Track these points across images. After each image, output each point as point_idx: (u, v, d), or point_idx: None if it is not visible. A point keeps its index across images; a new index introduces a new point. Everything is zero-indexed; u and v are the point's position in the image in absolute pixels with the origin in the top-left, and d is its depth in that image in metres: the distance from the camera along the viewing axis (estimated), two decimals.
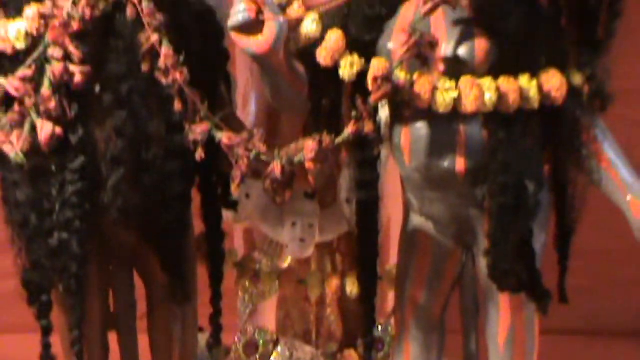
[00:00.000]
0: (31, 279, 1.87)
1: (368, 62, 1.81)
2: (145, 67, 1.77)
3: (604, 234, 2.76)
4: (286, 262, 2.30)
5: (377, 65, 1.77)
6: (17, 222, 1.85)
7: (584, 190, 1.90)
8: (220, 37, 1.90)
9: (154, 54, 1.75)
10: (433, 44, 1.76)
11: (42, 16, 1.77)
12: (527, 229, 1.84)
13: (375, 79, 1.74)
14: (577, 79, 1.85)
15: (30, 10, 1.78)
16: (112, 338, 2.02)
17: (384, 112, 1.91)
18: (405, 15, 1.84)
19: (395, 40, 1.81)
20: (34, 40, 1.79)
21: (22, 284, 1.88)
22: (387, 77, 1.74)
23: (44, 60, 1.77)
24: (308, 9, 1.87)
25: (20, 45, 1.79)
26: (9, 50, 1.80)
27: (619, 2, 1.92)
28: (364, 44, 1.84)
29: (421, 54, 1.75)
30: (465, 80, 1.79)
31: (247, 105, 2.21)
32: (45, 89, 1.76)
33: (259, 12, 1.75)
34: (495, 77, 1.80)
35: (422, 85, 1.78)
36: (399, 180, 1.99)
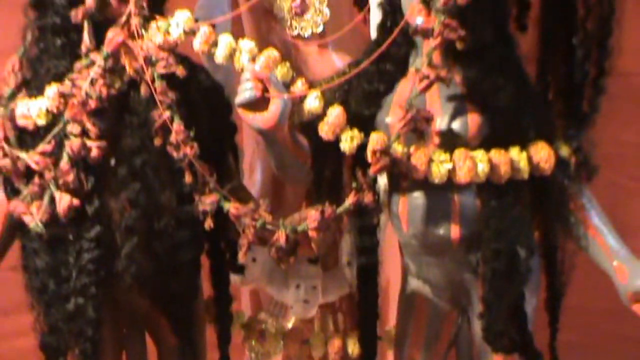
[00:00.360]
0: (49, 342, 1.90)
1: (367, 135, 1.85)
2: (157, 141, 1.82)
3: (594, 291, 2.79)
4: (291, 323, 2.33)
5: (376, 139, 1.82)
6: (36, 288, 1.89)
7: (573, 256, 1.94)
8: (228, 111, 1.95)
9: (166, 129, 1.81)
10: (428, 119, 1.81)
11: (62, 95, 1.82)
12: (519, 293, 1.88)
13: (374, 153, 1.79)
14: (565, 150, 1.90)
15: (51, 90, 1.83)
16: None
17: (382, 180, 1.95)
18: (402, 90, 1.89)
19: (392, 115, 1.86)
20: (54, 117, 1.84)
21: (40, 346, 1.91)
22: (386, 151, 1.79)
23: (63, 136, 1.82)
24: (311, 85, 1.93)
25: (41, 121, 1.84)
26: (30, 127, 1.85)
27: (603, 78, 1.98)
28: (363, 118, 1.89)
29: (417, 128, 1.80)
30: (459, 152, 1.83)
31: (253, 174, 2.25)
32: (64, 163, 1.81)
33: (265, 89, 1.80)
34: (487, 149, 1.84)
35: (418, 158, 1.82)
36: (397, 244, 2.03)
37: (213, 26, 2.01)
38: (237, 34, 2.14)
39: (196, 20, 2.01)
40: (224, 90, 1.94)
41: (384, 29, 1.94)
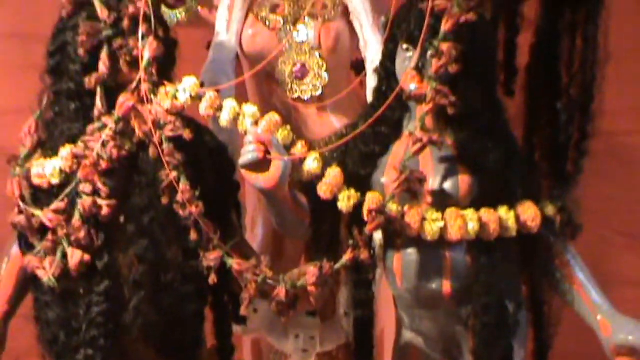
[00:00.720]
0: None
1: (364, 195, 1.89)
2: (165, 200, 1.86)
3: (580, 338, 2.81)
4: None
5: (372, 199, 1.87)
6: (47, 339, 1.92)
7: (559, 310, 1.97)
8: (231, 170, 1.99)
9: (173, 189, 1.85)
10: (422, 180, 1.86)
11: (75, 156, 1.87)
12: (508, 346, 1.91)
13: (370, 212, 1.84)
14: (550, 209, 1.95)
15: (65, 151, 1.88)
16: None
17: (378, 236, 1.99)
18: (397, 152, 1.94)
19: (387, 176, 1.91)
20: (67, 176, 1.89)
21: None
22: (381, 210, 1.84)
23: (75, 195, 1.87)
24: (311, 147, 1.97)
25: (55, 180, 1.89)
26: (45, 185, 1.90)
27: (586, 141, 2.03)
28: (359, 178, 1.94)
29: (411, 188, 1.85)
30: (451, 211, 1.88)
31: (255, 228, 2.28)
32: (76, 221, 1.86)
33: (267, 152, 1.84)
34: (477, 208, 1.89)
35: (412, 217, 1.87)
36: (392, 297, 2.06)
37: (218, 91, 2.07)
38: (241, 96, 2.20)
39: (202, 84, 2.07)
40: (228, 151, 1.99)
41: (379, 93, 2.00)
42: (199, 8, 2.22)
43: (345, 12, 2.19)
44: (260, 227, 2.27)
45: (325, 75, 2.17)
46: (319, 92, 2.18)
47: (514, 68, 2.12)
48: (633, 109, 2.71)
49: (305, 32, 2.18)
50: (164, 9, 2.15)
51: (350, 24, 2.19)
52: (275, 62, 2.17)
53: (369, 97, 2.07)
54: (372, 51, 2.14)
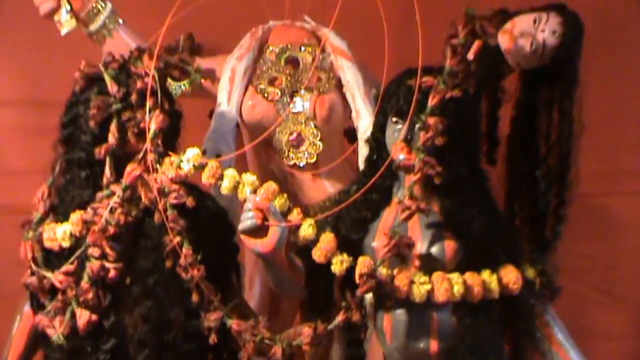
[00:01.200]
0: None
1: (355, 258, 1.93)
2: (168, 263, 1.90)
3: None
4: None
5: (363, 263, 1.90)
6: None
7: None
8: (231, 234, 2.02)
9: (176, 253, 1.89)
10: (410, 245, 1.91)
11: (85, 221, 1.91)
12: None
13: (361, 276, 1.88)
14: (530, 273, 1.99)
15: (75, 216, 1.93)
16: None
17: (368, 296, 2.02)
18: (387, 218, 1.99)
19: (378, 240, 1.96)
20: (77, 240, 1.93)
21: None
22: (372, 274, 1.88)
23: (84, 258, 1.91)
24: (306, 212, 2.01)
25: (66, 244, 1.94)
26: (56, 248, 1.94)
27: (563, 209, 2.08)
28: (351, 242, 1.98)
29: (400, 253, 1.90)
30: (437, 275, 1.92)
31: (253, 288, 2.31)
32: (85, 283, 1.90)
33: (265, 218, 1.89)
34: (462, 272, 1.94)
35: (401, 280, 1.91)
36: (382, 355, 2.08)
37: (218, 155, 2.12)
38: (241, 161, 2.25)
39: (204, 152, 2.13)
40: (228, 215, 2.03)
41: (370, 162, 2.05)
42: (202, 80, 2.30)
43: (338, 85, 2.25)
44: (258, 286, 2.31)
45: (319, 143, 2.22)
46: (313, 159, 2.23)
47: (496, 138, 2.19)
48: (608, 173, 2.76)
49: (301, 103, 2.23)
50: (169, 81, 2.23)
51: (343, 96, 2.25)
52: (273, 131, 2.22)
53: (361, 165, 2.12)
54: (363, 121, 2.20)
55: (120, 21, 2.26)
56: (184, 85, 2.25)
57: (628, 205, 2.79)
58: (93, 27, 2.25)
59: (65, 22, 2.23)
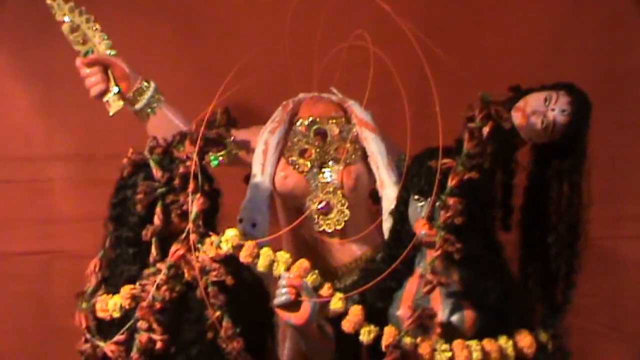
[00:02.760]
0: None
1: (382, 328, 1.93)
2: (210, 335, 1.90)
3: None
4: None
5: (389, 334, 1.91)
6: None
7: None
8: (266, 301, 2.01)
9: (217, 325, 1.89)
10: (432, 316, 1.90)
11: (134, 296, 1.92)
12: None
13: (387, 347, 1.88)
14: (543, 337, 1.99)
15: (125, 290, 1.94)
16: None
17: None
18: (410, 288, 1.98)
19: (402, 310, 1.96)
20: (127, 312, 1.94)
21: None
22: (397, 345, 1.88)
23: (133, 330, 1.92)
24: (334, 274, 1.99)
25: (116, 315, 1.95)
26: (107, 318, 1.96)
27: (573, 275, 2.06)
28: (377, 310, 1.98)
29: (423, 324, 1.89)
30: (457, 343, 1.92)
31: (285, 341, 2.30)
32: (134, 353, 1.91)
33: (298, 294, 1.89)
34: (480, 339, 1.93)
35: (424, 348, 1.91)
36: None
37: (254, 225, 2.12)
38: (274, 227, 2.24)
39: (241, 220, 2.13)
40: (264, 283, 2.02)
41: (394, 233, 2.04)
42: (238, 152, 2.30)
43: (364, 155, 2.24)
44: (289, 340, 2.30)
45: (347, 211, 2.21)
46: (341, 226, 2.21)
47: (510, 207, 2.16)
48: (614, 217, 2.74)
49: (330, 174, 2.22)
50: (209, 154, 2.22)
51: (368, 166, 2.23)
52: (303, 200, 2.22)
53: (385, 233, 2.12)
54: (387, 190, 2.18)
55: (163, 99, 2.28)
56: (221, 156, 2.25)
57: (633, 247, 2.77)
58: (138, 106, 2.25)
59: (114, 103, 2.24)
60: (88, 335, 1.96)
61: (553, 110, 2.04)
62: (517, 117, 2.06)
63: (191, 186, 1.91)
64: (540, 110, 2.05)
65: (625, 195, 2.74)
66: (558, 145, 2.07)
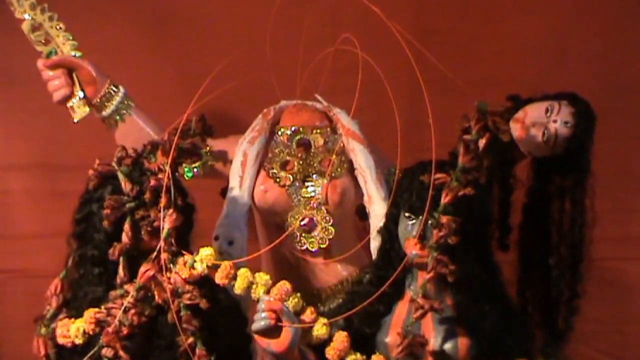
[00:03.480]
0: None
1: (368, 354, 1.91)
2: None
3: None
4: None
5: None
6: None
7: None
8: (243, 325, 1.99)
9: (189, 353, 1.87)
10: (423, 344, 1.89)
11: (98, 320, 1.89)
12: None
13: None
14: None
15: (89, 314, 1.90)
16: None
17: None
18: (400, 312, 1.96)
19: (391, 337, 1.94)
20: (90, 338, 1.90)
21: None
22: None
23: (98, 358, 1.88)
24: (317, 297, 1.99)
25: (79, 341, 1.91)
26: (68, 345, 1.92)
27: (576, 300, 2.06)
28: (364, 336, 1.96)
29: (413, 352, 1.88)
30: None
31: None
32: None
33: (278, 319, 1.87)
34: None
35: None
36: None
37: (231, 242, 2.11)
38: (253, 249, 2.23)
39: (216, 238, 2.12)
40: (241, 306, 2.00)
41: (383, 252, 2.03)
42: (214, 163, 2.29)
43: (350, 168, 2.21)
44: None
45: (331, 229, 2.18)
46: (325, 245, 2.19)
47: (508, 225, 2.16)
48: (619, 238, 2.75)
49: (313, 188, 2.20)
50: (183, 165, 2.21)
51: (354, 179, 2.21)
52: (285, 216, 2.20)
53: (373, 253, 2.11)
54: (375, 205, 2.16)
55: (132, 105, 2.26)
56: (196, 168, 2.23)
57: (639, 270, 2.78)
58: (105, 112, 2.22)
59: (79, 109, 2.21)
60: None
61: (555, 121, 2.04)
62: (516, 129, 2.06)
63: (163, 201, 1.89)
64: (541, 121, 2.05)
65: (631, 214, 2.74)
66: (560, 160, 2.06)
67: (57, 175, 2.74)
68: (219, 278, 1.90)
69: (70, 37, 2.26)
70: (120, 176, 1.92)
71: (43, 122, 2.70)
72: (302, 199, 2.20)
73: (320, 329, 1.89)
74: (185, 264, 1.90)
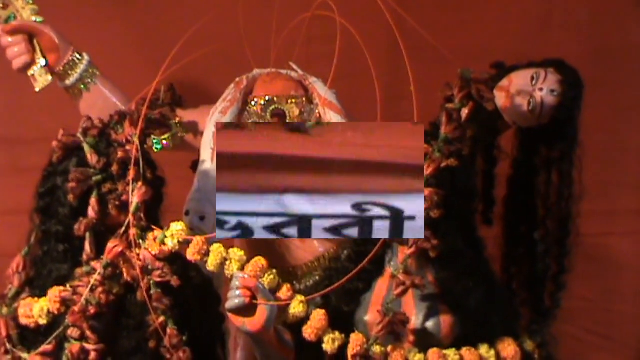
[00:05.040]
0: None
1: (348, 334, 1.92)
2: (152, 344, 1.89)
3: None
4: None
5: (355, 342, 1.90)
6: None
7: None
8: (216, 304, 2.01)
9: (160, 332, 1.88)
10: (404, 322, 1.90)
11: (63, 300, 1.89)
12: None
13: (354, 356, 1.88)
14: (529, 345, 2.00)
15: (53, 293, 1.90)
16: None
17: None
18: (380, 289, 1.98)
19: (371, 314, 1.95)
20: (55, 318, 1.91)
21: None
22: (365, 354, 1.88)
23: (63, 338, 1.89)
24: (294, 275, 2.00)
25: (43, 321, 1.92)
26: (32, 325, 1.93)
27: (563, 275, 2.08)
28: (343, 314, 1.97)
29: (394, 330, 1.89)
30: (433, 352, 1.92)
31: (237, 351, 2.30)
32: None
33: (253, 297, 1.87)
34: (459, 347, 1.93)
35: (395, 357, 1.90)
36: None
37: (202, 218, 2.11)
38: None
39: (187, 213, 2.12)
40: (213, 284, 2.02)
41: None
42: (184, 134, 2.29)
43: None
44: (242, 350, 2.30)
45: None
46: None
47: (492, 198, 2.18)
48: (606, 212, 2.77)
49: None
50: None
51: None
52: None
53: None
54: None
55: (98, 73, 2.25)
56: (165, 140, 2.23)
57: (626, 245, 2.80)
58: (69, 81, 2.21)
59: (40, 78, 2.20)
60: (9, 346, 1.93)
61: (541, 90, 2.06)
62: (500, 98, 2.07)
63: (131, 173, 1.89)
64: (526, 90, 2.06)
65: (619, 187, 2.77)
66: (546, 130, 2.08)
67: (17, 148, 2.73)
68: (191, 254, 1.90)
69: (30, 1, 2.24)
70: (86, 148, 1.92)
71: (2, 92, 2.69)
72: None
73: (297, 307, 1.91)
74: (155, 239, 1.90)
